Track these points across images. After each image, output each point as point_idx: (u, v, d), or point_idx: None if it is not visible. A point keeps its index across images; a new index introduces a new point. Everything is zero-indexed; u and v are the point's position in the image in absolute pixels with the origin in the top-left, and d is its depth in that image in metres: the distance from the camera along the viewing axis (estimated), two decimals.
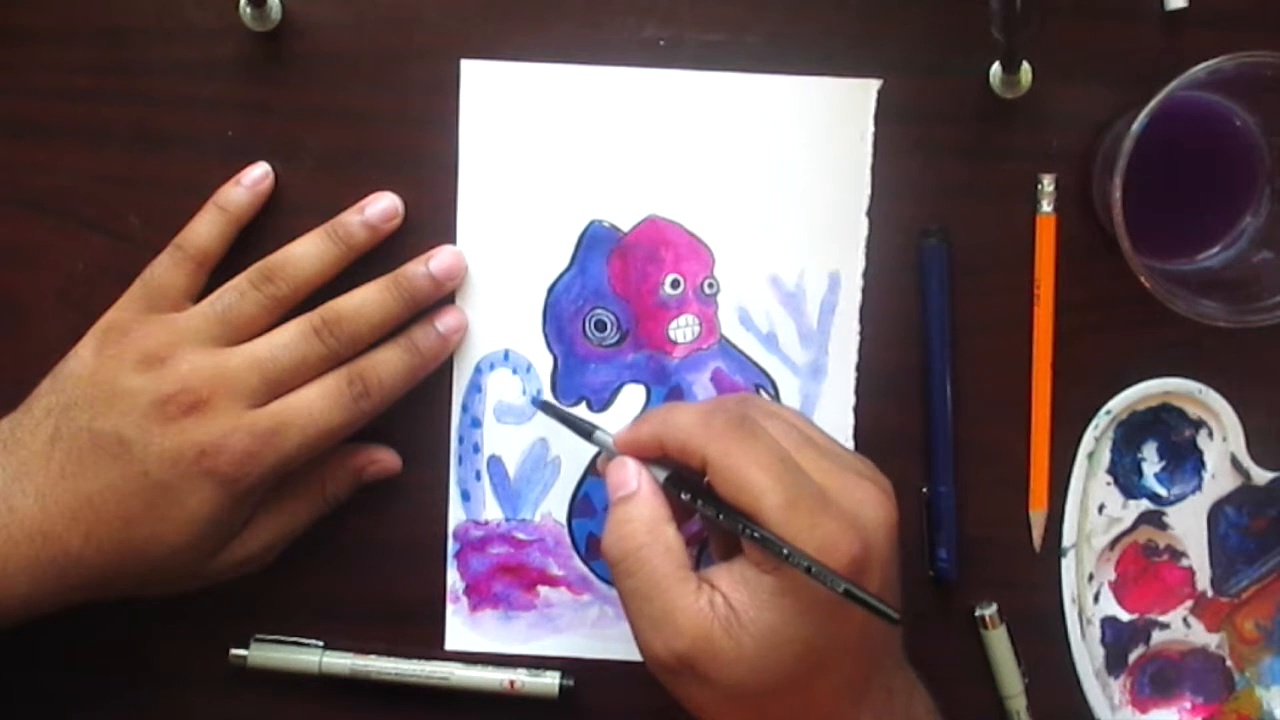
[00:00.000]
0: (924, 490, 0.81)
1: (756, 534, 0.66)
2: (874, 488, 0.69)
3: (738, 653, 0.66)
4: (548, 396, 0.82)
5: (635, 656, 0.80)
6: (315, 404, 0.75)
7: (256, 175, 0.80)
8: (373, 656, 0.82)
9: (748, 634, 0.66)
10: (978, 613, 0.82)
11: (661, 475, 0.72)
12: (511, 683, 0.82)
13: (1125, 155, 0.70)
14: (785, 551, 0.65)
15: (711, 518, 0.69)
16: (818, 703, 0.68)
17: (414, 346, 0.78)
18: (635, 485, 0.71)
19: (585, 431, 0.78)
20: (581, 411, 0.82)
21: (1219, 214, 0.79)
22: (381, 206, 0.79)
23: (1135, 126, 0.70)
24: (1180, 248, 0.79)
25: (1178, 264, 0.79)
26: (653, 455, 0.72)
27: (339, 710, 0.84)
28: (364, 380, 0.76)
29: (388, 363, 0.77)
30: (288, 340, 0.75)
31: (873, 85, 0.79)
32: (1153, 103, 0.70)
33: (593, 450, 0.81)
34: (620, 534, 0.70)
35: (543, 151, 0.80)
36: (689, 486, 0.71)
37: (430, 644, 0.83)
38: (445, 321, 0.80)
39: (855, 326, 0.81)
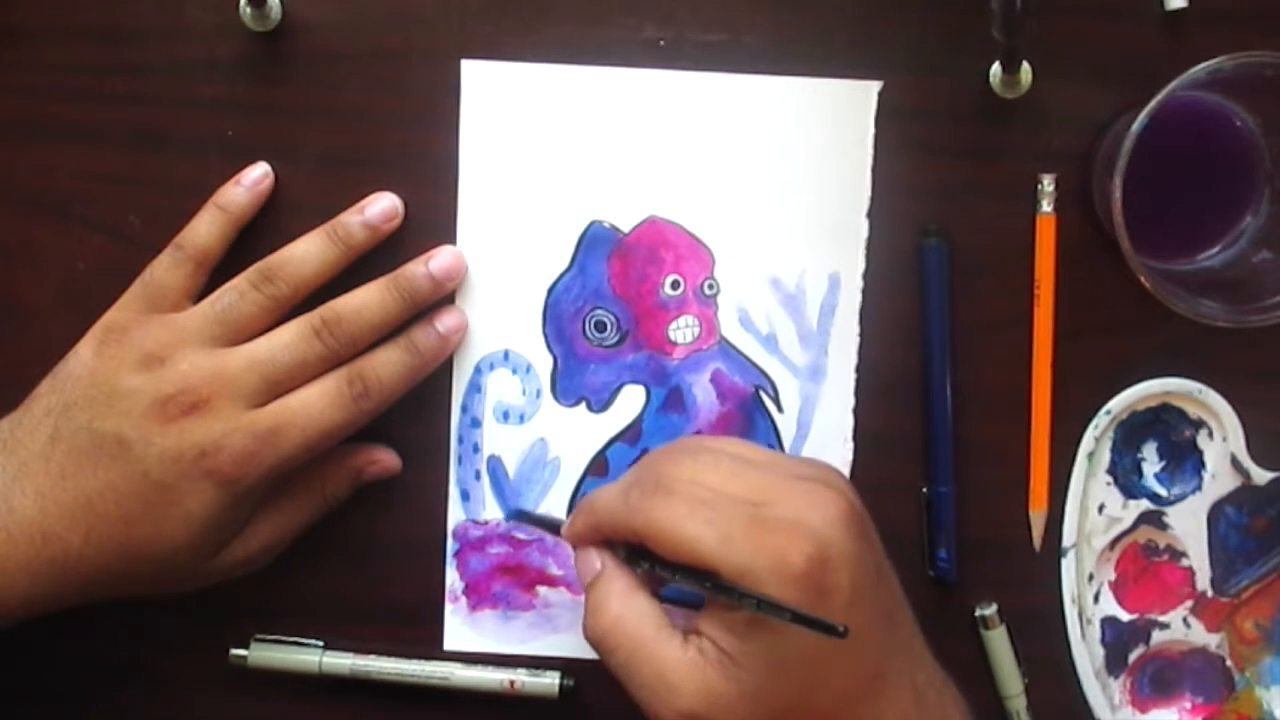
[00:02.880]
0: (924, 490, 0.82)
1: (708, 584, 0.66)
2: (818, 486, 0.68)
3: (739, 690, 0.65)
4: (546, 392, 0.82)
5: None
6: (315, 404, 0.75)
7: (256, 175, 0.80)
8: (373, 656, 0.82)
9: (744, 670, 0.65)
10: (978, 613, 0.82)
11: (623, 551, 0.72)
12: (511, 683, 0.82)
13: (1125, 155, 0.70)
14: (737, 595, 0.64)
15: (671, 579, 0.69)
16: (830, 714, 0.67)
17: (414, 346, 0.78)
18: (599, 566, 0.72)
19: (557, 528, 0.78)
20: (581, 412, 0.82)
21: (1219, 214, 0.79)
22: (381, 207, 0.79)
23: (1135, 126, 0.70)
24: (1180, 248, 0.79)
25: (1178, 264, 0.79)
26: (597, 541, 0.73)
27: (339, 710, 0.84)
28: (364, 380, 0.76)
29: (387, 363, 0.77)
30: (287, 340, 0.75)
31: (873, 87, 0.79)
32: (1153, 103, 0.70)
33: (592, 450, 0.82)
34: (595, 615, 0.70)
35: (543, 152, 0.80)
36: (643, 556, 0.70)
37: (429, 644, 0.83)
38: (445, 321, 0.80)
39: (855, 328, 0.81)
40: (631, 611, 0.69)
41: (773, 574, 0.64)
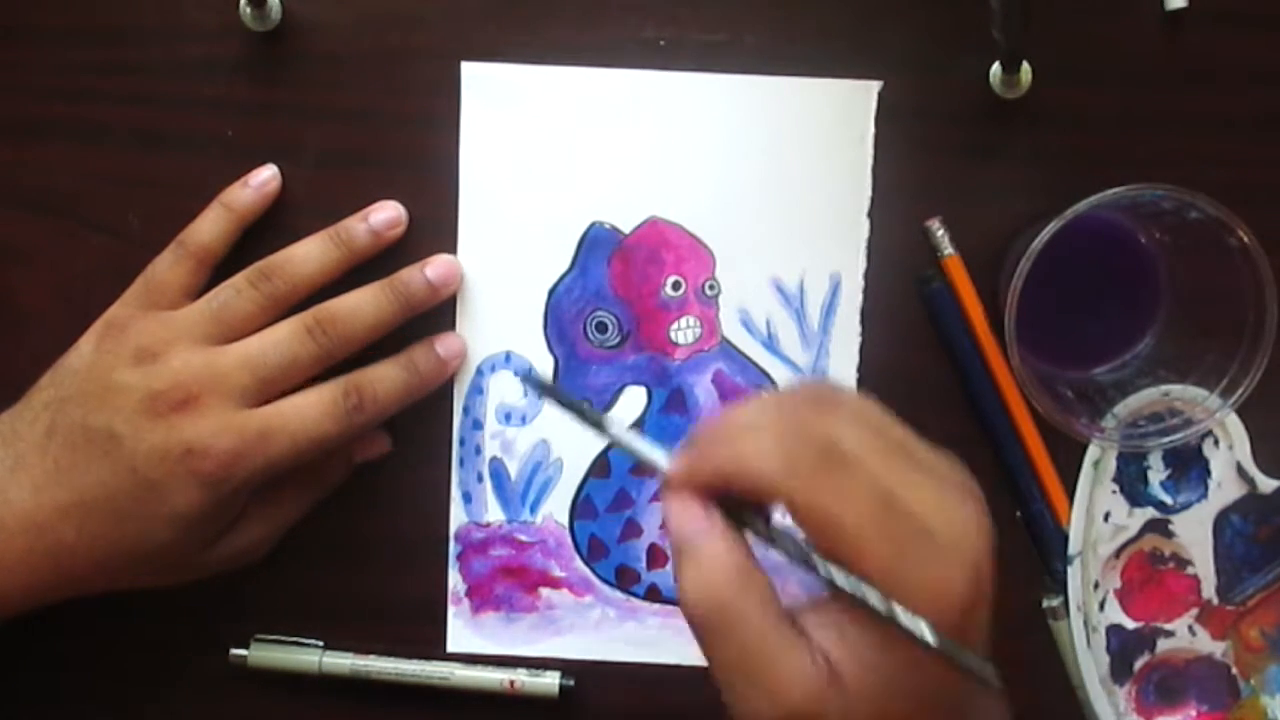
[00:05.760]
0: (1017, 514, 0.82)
1: (843, 585, 0.56)
2: (970, 503, 0.58)
3: (845, 717, 0.57)
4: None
5: (636, 658, 0.82)
6: (309, 411, 0.74)
7: (265, 177, 0.80)
8: (373, 656, 0.82)
9: (854, 699, 0.56)
10: (1045, 604, 0.82)
11: (727, 505, 0.60)
12: (511, 683, 0.82)
13: (1021, 276, 0.73)
14: (883, 611, 0.55)
15: (790, 558, 0.58)
16: None
17: (413, 366, 0.79)
18: (708, 526, 0.59)
19: (598, 423, 0.64)
20: None
21: (1117, 331, 0.81)
22: (386, 215, 0.79)
23: (1026, 258, 0.72)
24: (1075, 358, 0.81)
25: (1071, 373, 0.81)
26: (712, 489, 0.60)
27: (339, 710, 0.84)
28: (360, 393, 0.76)
29: (385, 379, 0.77)
30: (279, 338, 0.75)
31: (873, 87, 0.79)
32: (1050, 227, 0.72)
33: (594, 451, 0.82)
34: (706, 585, 0.58)
35: (543, 153, 0.80)
36: (756, 517, 0.60)
37: (430, 645, 0.83)
38: (446, 345, 0.80)
39: (856, 327, 0.81)
40: (753, 593, 0.58)
41: (933, 606, 0.55)
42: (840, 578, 0.56)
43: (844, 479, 0.56)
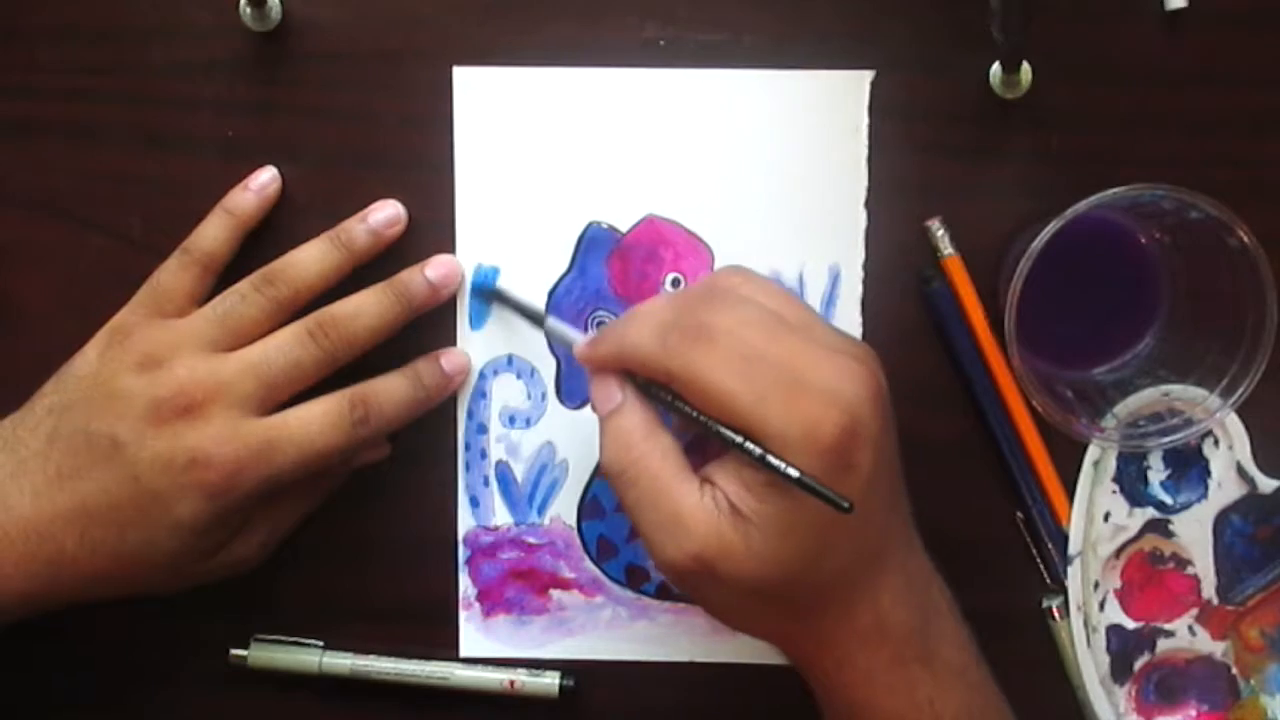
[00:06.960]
0: (1017, 514, 0.82)
1: (714, 430, 0.66)
2: (852, 361, 0.66)
3: (748, 547, 0.66)
4: (551, 395, 0.82)
5: (647, 657, 0.83)
6: (314, 423, 0.74)
7: (264, 180, 0.80)
8: (373, 657, 0.82)
9: (754, 528, 0.66)
10: (1045, 604, 0.82)
11: (639, 382, 0.71)
12: (511, 683, 0.82)
13: (1021, 277, 0.72)
14: (739, 441, 0.65)
15: (690, 423, 0.68)
16: (830, 584, 0.68)
17: (418, 379, 0.79)
18: (621, 398, 0.71)
19: (538, 319, 0.79)
20: (587, 413, 0.82)
21: (1118, 330, 0.81)
22: (385, 214, 0.79)
23: (1026, 258, 0.72)
24: (1076, 358, 0.81)
25: (1070, 373, 0.81)
26: (616, 371, 0.71)
27: (339, 710, 0.84)
28: (366, 405, 0.76)
29: (390, 392, 0.77)
30: (281, 343, 0.75)
31: (865, 76, 0.79)
32: (1050, 227, 0.71)
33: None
34: (616, 446, 0.70)
35: (538, 155, 0.80)
36: (661, 390, 0.69)
37: (436, 647, 0.83)
38: (451, 360, 0.80)
39: (857, 319, 0.81)
40: (655, 449, 0.69)
41: (804, 441, 0.64)
42: (723, 430, 0.66)
43: (709, 348, 0.66)
